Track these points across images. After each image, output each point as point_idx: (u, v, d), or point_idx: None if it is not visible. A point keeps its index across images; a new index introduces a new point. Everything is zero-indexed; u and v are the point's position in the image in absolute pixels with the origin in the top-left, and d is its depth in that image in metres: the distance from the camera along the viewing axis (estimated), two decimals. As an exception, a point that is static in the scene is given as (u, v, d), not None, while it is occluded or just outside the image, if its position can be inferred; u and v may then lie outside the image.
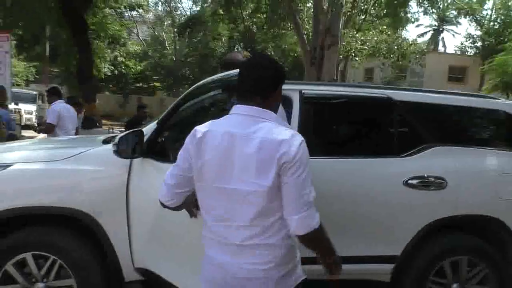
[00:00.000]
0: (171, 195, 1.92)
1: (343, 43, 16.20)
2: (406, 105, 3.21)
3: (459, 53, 32.98)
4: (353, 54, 18.45)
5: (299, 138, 1.74)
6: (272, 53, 22.47)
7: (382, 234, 3.10)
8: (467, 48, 33.91)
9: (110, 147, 3.10)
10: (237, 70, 2.31)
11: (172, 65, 31.36)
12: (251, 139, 1.71)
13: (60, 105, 6.57)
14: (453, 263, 3.20)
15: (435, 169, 3.11)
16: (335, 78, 13.28)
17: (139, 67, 31.40)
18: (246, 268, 1.76)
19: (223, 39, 30.25)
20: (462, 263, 3.19)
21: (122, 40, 23.21)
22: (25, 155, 3.19)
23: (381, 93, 3.27)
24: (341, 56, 17.77)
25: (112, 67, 24.34)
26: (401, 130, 3.21)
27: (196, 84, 3.11)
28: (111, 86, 31.98)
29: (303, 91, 3.12)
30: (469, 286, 3.22)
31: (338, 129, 3.42)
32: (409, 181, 3.04)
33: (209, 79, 3.11)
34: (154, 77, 32.85)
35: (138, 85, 32.20)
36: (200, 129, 1.83)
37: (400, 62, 19.21)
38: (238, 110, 1.82)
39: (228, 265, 1.79)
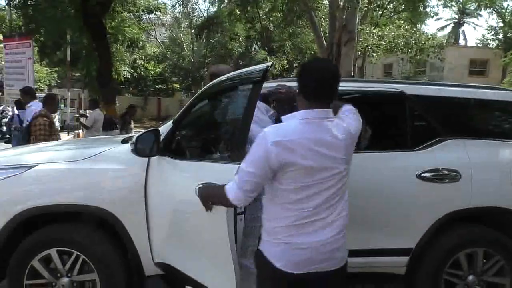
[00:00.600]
0: (246, 199, 2.08)
1: (360, 39, 16.11)
2: (419, 99, 3.24)
3: (480, 45, 32.34)
4: (371, 50, 18.31)
5: None
6: (290, 51, 22.43)
7: (396, 227, 3.13)
8: (489, 40, 33.29)
9: (128, 146, 3.21)
10: (252, 68, 2.41)
11: (190, 66, 31.62)
12: (335, 138, 2.01)
13: (38, 105, 6.41)
14: (468, 255, 3.21)
15: (449, 161, 3.13)
16: (352, 74, 13.24)
17: (158, 69, 31.76)
18: (333, 240, 2.04)
19: (240, 38, 30.35)
20: (478, 255, 3.21)
21: (141, 43, 23.46)
22: (48, 156, 3.32)
23: (393, 87, 3.30)
24: (359, 52, 17.67)
25: (132, 70, 24.66)
26: (414, 123, 3.24)
27: (210, 83, 3.18)
28: (131, 88, 32.46)
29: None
30: (485, 278, 3.23)
31: None
32: (423, 174, 3.07)
33: (223, 77, 3.16)
34: (173, 79, 33.20)
35: (157, 86, 32.60)
36: (284, 138, 1.95)
37: (418, 57, 18.96)
38: (315, 114, 2.01)
39: (320, 243, 2.02)
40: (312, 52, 22.74)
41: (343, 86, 3.29)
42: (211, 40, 29.95)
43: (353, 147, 2.13)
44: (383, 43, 17.82)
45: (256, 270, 2.19)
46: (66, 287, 3.04)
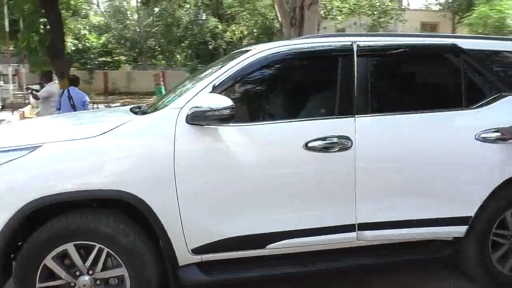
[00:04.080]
0: None
1: (323, 2, 15.77)
2: (475, 52, 2.98)
3: (430, 8, 32.81)
4: (334, 13, 18.04)
5: None
6: (248, 17, 21.77)
7: (453, 194, 2.90)
8: (431, 5, 33.92)
9: (150, 118, 2.77)
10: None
11: (137, 36, 30.09)
12: None
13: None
14: None
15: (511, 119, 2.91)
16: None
17: (100, 41, 29.91)
18: None
19: (188, 5, 29.17)
20: None
21: (84, 11, 21.93)
22: (54, 133, 2.79)
23: (446, 41, 3.03)
24: (322, 16, 17.33)
25: (76, 41, 22.92)
26: (471, 79, 2.97)
27: (264, 53, 2.88)
28: (72, 61, 30.40)
29: (358, 43, 2.91)
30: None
31: (400, 82, 3.16)
32: (483, 135, 2.84)
33: (277, 47, 2.92)
34: (118, 51, 31.44)
35: (102, 59, 30.73)
36: None
37: (382, 19, 18.95)
38: None
39: None
40: (272, 18, 22.20)
41: (388, 40, 3.04)
42: (155, 9, 28.57)
43: None
44: (347, 5, 17.58)
45: None
46: (88, 287, 2.60)
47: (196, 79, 3.21)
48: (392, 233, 2.87)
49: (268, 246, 2.78)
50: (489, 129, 2.85)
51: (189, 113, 2.60)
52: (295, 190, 2.80)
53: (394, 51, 2.96)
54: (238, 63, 2.82)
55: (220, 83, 2.74)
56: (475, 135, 2.83)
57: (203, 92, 2.69)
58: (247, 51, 3.00)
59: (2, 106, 19.98)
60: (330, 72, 2.92)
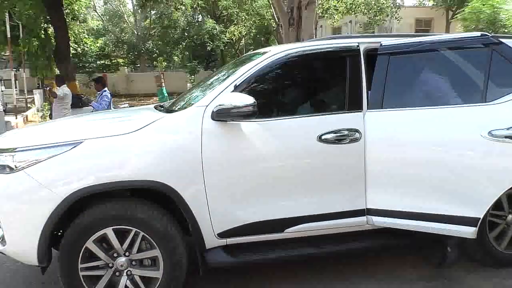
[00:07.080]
0: None
1: (320, 1, 16.04)
2: None
3: (424, 4, 33.06)
4: (331, 12, 18.30)
5: None
6: (246, 17, 21.99)
7: (463, 193, 2.98)
8: (425, 1, 34.23)
9: (178, 115, 3.07)
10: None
11: (134, 39, 30.31)
12: None
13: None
14: (508, 195, 3.30)
15: None
16: (314, 38, 13.21)
17: (97, 44, 30.12)
18: None
19: (184, 8, 29.38)
20: None
21: (82, 16, 22.14)
22: (93, 130, 3.07)
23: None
24: (319, 15, 17.58)
25: (75, 45, 23.15)
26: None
27: (280, 54, 3.16)
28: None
29: (382, 43, 3.23)
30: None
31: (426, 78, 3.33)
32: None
33: (292, 49, 3.20)
34: (116, 54, 31.68)
35: (100, 62, 30.99)
36: None
37: (378, 17, 19.24)
38: None
39: None
40: (263, 18, 22.46)
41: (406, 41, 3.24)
42: (151, 11, 28.73)
43: None
44: (343, 4, 17.83)
45: None
46: (125, 267, 2.89)
47: (215, 80, 3.51)
48: (399, 222, 3.09)
49: (286, 230, 3.08)
50: None
51: (214, 110, 2.88)
52: (310, 179, 3.08)
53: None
54: (256, 64, 3.12)
55: (241, 82, 3.04)
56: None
57: (226, 91, 2.99)
58: (263, 53, 3.30)
59: (4, 110, 20.15)
60: (340, 70, 3.21)
